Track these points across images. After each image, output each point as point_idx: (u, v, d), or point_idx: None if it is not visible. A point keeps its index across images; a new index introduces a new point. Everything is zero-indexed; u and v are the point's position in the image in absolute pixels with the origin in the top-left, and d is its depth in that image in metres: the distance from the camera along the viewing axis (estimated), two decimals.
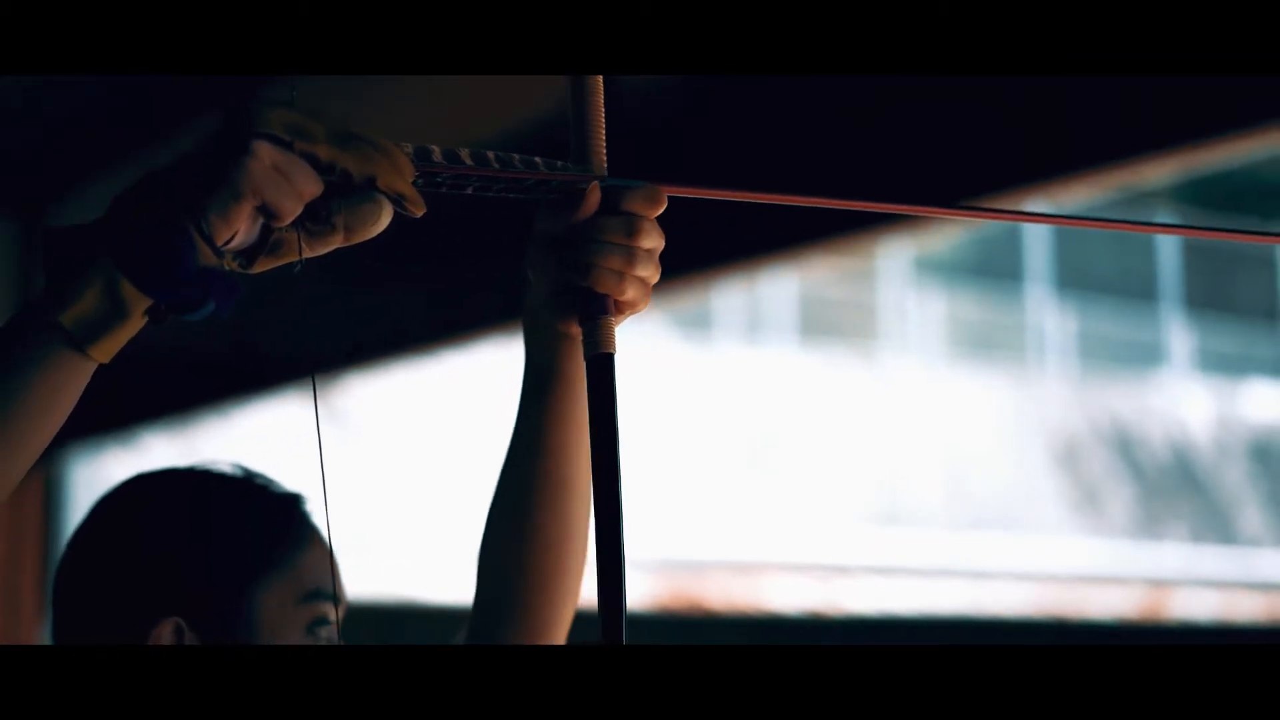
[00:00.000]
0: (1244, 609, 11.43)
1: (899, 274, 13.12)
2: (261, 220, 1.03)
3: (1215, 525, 12.51)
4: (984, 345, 13.47)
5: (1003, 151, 3.08)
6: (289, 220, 1.02)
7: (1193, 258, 14.41)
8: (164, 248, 0.99)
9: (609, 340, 1.19)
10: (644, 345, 11.20)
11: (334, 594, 1.36)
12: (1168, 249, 14.25)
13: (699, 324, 11.73)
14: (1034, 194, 3.62)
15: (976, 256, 14.60)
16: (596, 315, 1.20)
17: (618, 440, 1.18)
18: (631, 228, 1.16)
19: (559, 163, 1.15)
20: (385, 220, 1.05)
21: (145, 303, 1.00)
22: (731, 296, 12.03)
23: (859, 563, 10.35)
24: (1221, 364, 14.06)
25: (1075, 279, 13.86)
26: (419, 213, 1.07)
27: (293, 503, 1.40)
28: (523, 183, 1.12)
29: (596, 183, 1.16)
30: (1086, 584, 10.91)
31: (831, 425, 11.25)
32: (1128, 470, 12.44)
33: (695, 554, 9.59)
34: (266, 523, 1.37)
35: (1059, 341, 13.61)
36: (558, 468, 1.31)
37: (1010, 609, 10.53)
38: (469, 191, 1.11)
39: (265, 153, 1.00)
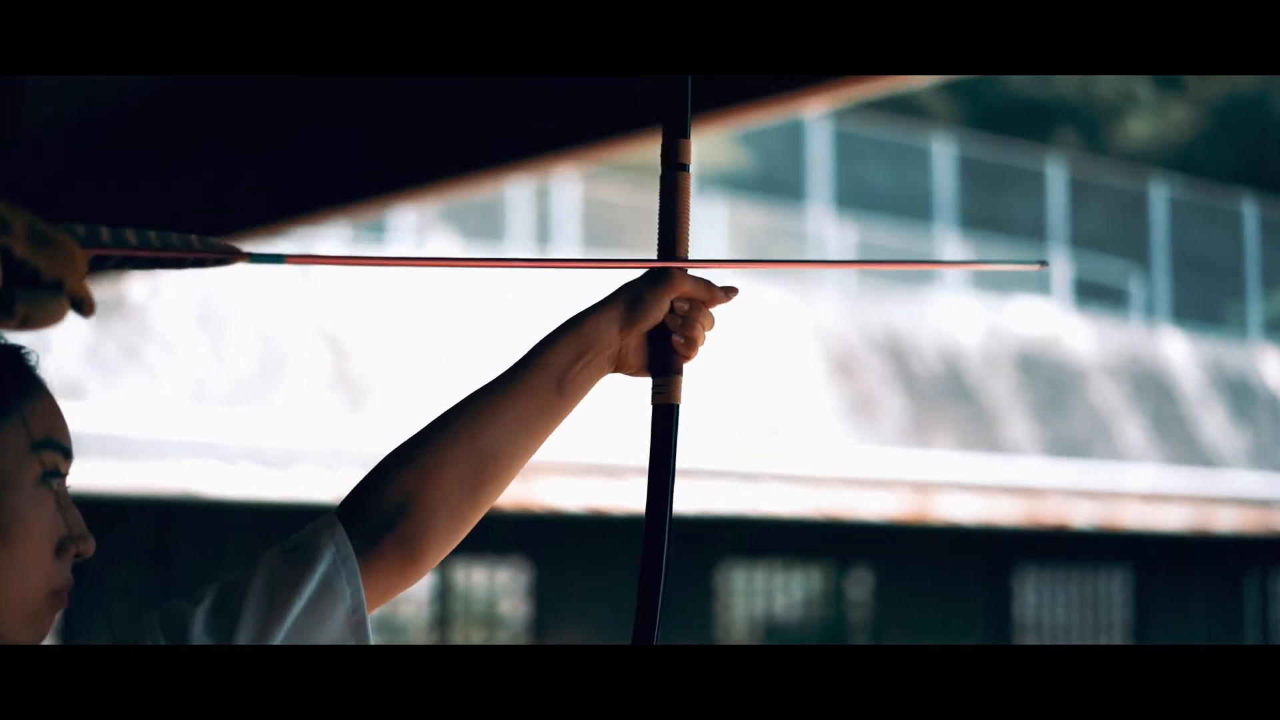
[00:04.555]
0: (1004, 512, 11.88)
1: None
2: None
3: (981, 433, 12.95)
4: (765, 254, 13.72)
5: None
6: None
7: (968, 176, 14.81)
8: None
9: (678, 394, 1.58)
10: (436, 245, 11.22)
11: (64, 445, 1.39)
12: (943, 167, 14.62)
13: (491, 234, 11.80)
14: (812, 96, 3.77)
15: (759, 168, 14.84)
16: (673, 372, 1.58)
17: (672, 479, 1.56)
18: (713, 320, 1.58)
19: (211, 239, 1.28)
20: (63, 318, 1.11)
21: None
22: (520, 205, 12.10)
23: (633, 464, 10.56)
24: (992, 279, 14.50)
25: (854, 193, 14.16)
26: (90, 315, 1.15)
27: (16, 353, 1.40)
28: (181, 261, 1.24)
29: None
30: (857, 487, 11.25)
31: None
32: (899, 379, 12.80)
33: None
34: None
35: (838, 253, 13.90)
36: (524, 448, 1.57)
37: (785, 510, 10.83)
38: (129, 269, 1.21)
39: None
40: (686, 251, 1.58)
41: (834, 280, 13.53)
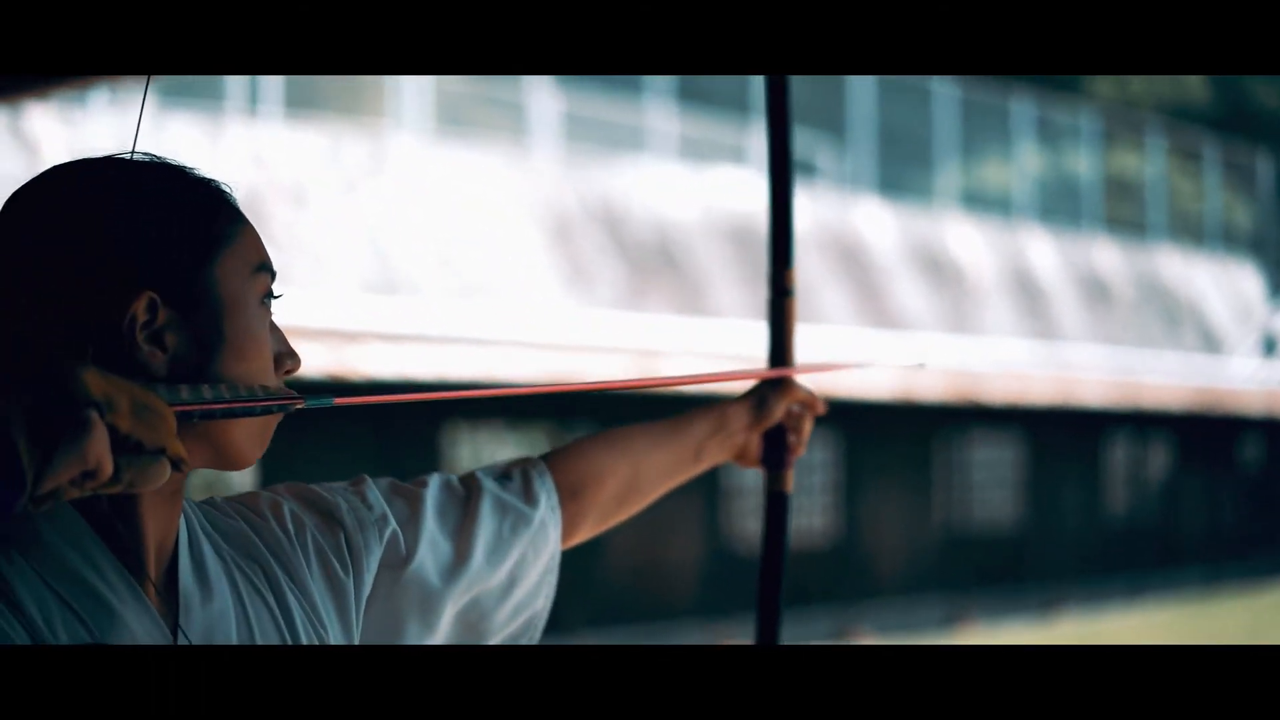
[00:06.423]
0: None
1: None
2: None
3: (693, 300, 13.18)
4: (476, 123, 13.63)
5: None
6: (99, 485, 1.14)
7: None
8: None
9: (789, 483, 1.93)
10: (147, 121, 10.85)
11: (273, 269, 1.47)
12: None
13: (209, 94, 11.45)
14: None
15: None
16: (785, 465, 1.92)
17: (786, 558, 1.91)
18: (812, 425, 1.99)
19: (271, 388, 1.40)
20: (165, 478, 1.19)
21: None
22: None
23: (366, 329, 10.46)
24: (701, 150, 14.71)
25: None
26: (188, 470, 1.27)
27: (219, 187, 1.46)
28: (251, 409, 1.36)
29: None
30: (581, 352, 11.35)
31: (330, 196, 11.23)
32: (614, 247, 12.91)
33: None
34: (205, 200, 1.43)
35: (549, 122, 13.90)
36: (659, 488, 1.89)
37: (517, 374, 10.87)
38: (205, 420, 1.33)
39: (98, 426, 1.12)
40: (793, 363, 1.94)
41: (547, 148, 13.54)
